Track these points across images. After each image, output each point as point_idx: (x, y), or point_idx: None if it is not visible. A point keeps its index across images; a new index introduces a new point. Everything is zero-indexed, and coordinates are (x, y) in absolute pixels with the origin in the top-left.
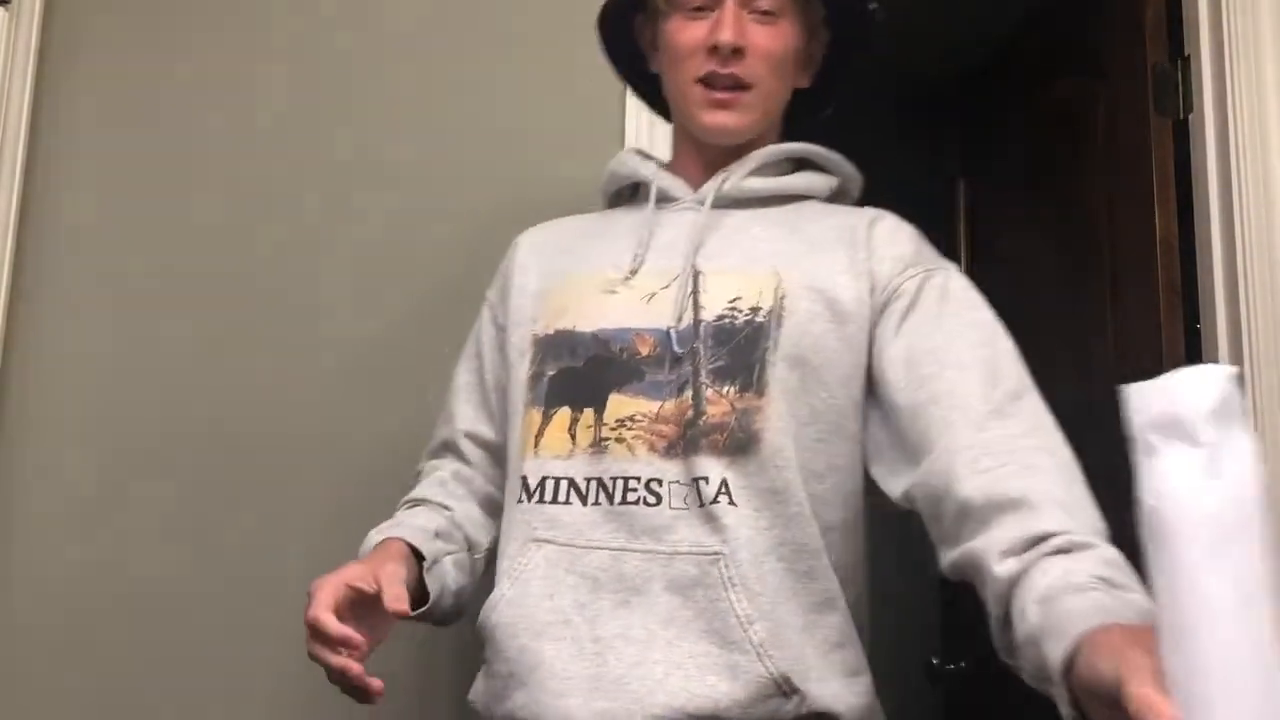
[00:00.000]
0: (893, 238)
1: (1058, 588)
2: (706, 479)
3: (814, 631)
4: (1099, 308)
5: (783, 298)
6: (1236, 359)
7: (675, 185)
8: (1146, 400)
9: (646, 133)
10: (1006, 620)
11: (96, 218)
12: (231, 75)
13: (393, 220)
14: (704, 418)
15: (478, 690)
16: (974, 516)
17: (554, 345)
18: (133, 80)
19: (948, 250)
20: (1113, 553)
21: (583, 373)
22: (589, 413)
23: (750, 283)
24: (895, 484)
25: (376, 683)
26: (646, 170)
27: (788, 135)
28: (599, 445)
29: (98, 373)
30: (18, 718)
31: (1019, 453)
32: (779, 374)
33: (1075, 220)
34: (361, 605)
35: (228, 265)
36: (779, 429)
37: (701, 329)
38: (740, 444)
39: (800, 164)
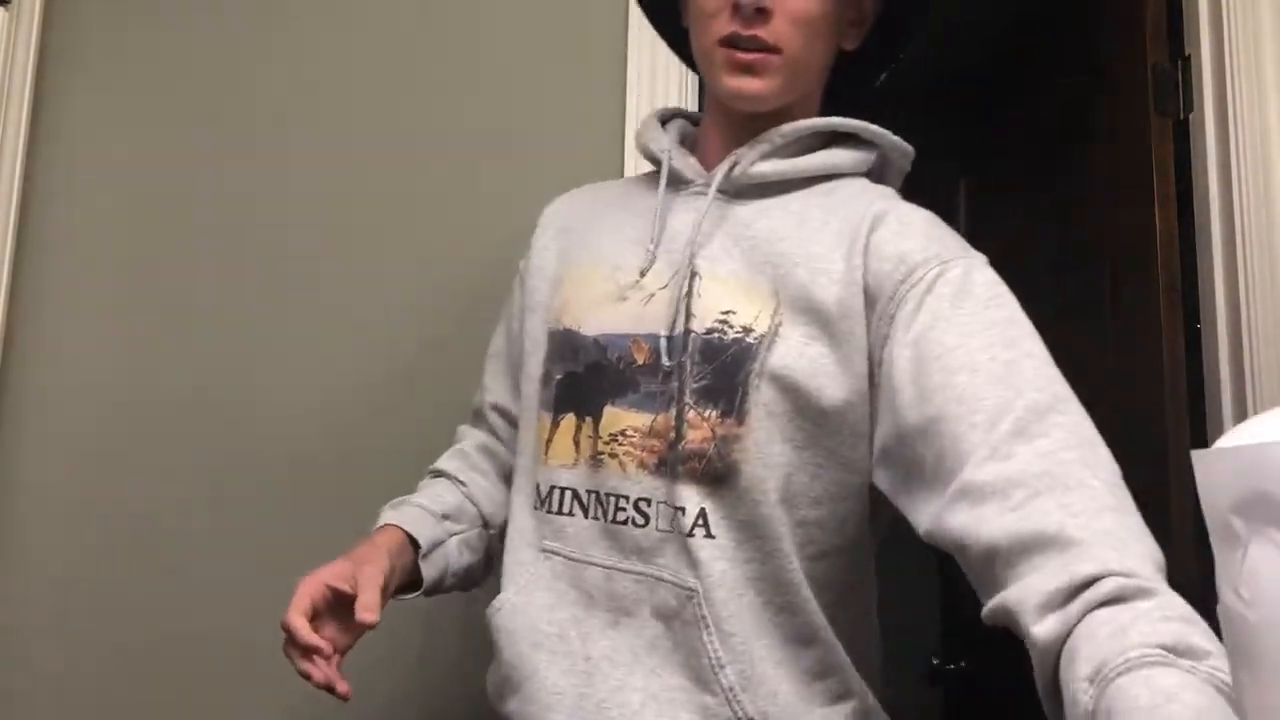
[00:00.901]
0: (897, 235)
1: (1111, 663)
2: (684, 509)
3: (794, 664)
4: (1099, 307)
5: (779, 324)
6: (1236, 359)
7: (688, 166)
8: (1227, 469)
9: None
10: (1055, 691)
11: (96, 217)
12: (232, 74)
13: (394, 219)
14: (684, 442)
15: (490, 678)
16: (1002, 558)
17: (561, 345)
18: (133, 80)
19: None
20: (1172, 600)
21: (584, 379)
22: (589, 422)
23: (747, 297)
24: (917, 521)
25: (343, 686)
26: (659, 146)
27: (831, 106)
28: (595, 458)
29: (98, 372)
30: (18, 718)
31: (1049, 476)
32: (764, 398)
33: (1075, 220)
34: (341, 604)
35: (229, 264)
36: (759, 460)
37: (690, 341)
38: (718, 474)
39: (835, 139)
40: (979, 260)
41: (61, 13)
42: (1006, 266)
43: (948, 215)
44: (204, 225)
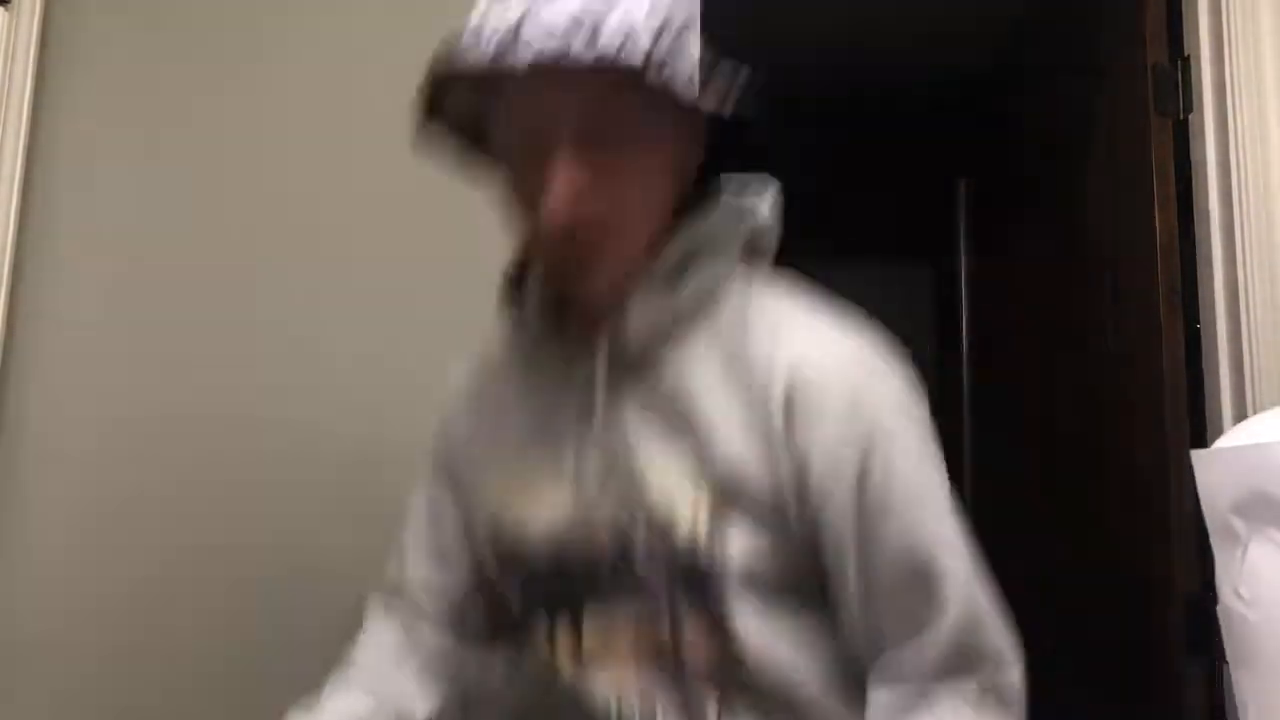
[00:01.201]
0: (816, 414)
1: None
2: (701, 712)
3: None
4: (1099, 308)
5: (719, 521)
6: (1236, 359)
7: (572, 343)
8: (1227, 469)
9: None
10: None
11: (96, 217)
12: (231, 75)
13: (395, 221)
14: (681, 645)
15: None
16: None
17: (512, 548)
18: (132, 80)
19: (947, 250)
20: None
21: (549, 583)
22: (564, 625)
23: (679, 492)
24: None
25: None
26: (536, 331)
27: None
28: (580, 659)
29: (98, 372)
30: (19, 718)
31: (929, 703)
32: (743, 604)
33: (1075, 220)
34: None
35: (228, 264)
36: (761, 654)
37: (653, 551)
38: (725, 676)
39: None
40: (906, 404)
41: (61, 13)
42: (1006, 266)
43: (947, 215)
44: (204, 225)
